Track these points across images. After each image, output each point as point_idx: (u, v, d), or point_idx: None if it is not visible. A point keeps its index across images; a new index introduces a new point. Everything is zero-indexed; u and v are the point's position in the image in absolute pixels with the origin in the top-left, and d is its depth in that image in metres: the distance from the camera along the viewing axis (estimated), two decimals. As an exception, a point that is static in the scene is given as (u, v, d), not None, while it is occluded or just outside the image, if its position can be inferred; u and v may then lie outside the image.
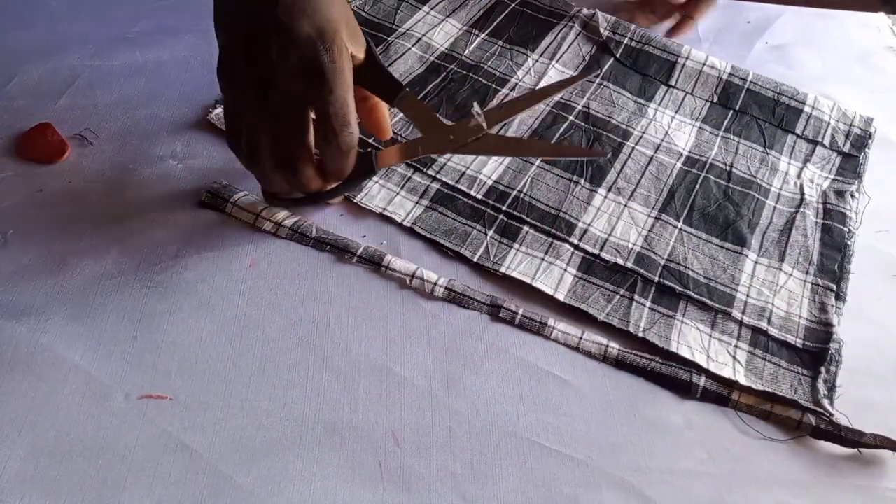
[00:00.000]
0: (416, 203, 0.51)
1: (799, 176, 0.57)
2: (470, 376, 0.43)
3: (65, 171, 0.50)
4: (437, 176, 0.53)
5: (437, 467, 0.39)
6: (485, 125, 0.45)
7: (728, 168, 0.57)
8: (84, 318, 0.43)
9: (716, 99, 0.62)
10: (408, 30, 0.64)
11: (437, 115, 0.49)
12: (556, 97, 0.60)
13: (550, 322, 0.46)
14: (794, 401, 0.43)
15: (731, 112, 0.61)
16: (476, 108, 0.45)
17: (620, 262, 0.50)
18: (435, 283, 0.46)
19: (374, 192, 0.51)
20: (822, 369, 0.45)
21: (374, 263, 0.47)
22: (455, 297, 0.46)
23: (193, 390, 0.40)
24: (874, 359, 0.47)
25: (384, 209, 0.50)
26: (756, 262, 0.51)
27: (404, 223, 0.50)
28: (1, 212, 0.47)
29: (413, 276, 0.46)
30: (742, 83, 0.62)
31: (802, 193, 0.55)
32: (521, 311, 0.46)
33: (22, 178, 0.49)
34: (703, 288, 0.49)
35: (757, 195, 0.55)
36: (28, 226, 0.46)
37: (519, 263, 0.49)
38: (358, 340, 0.44)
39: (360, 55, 0.42)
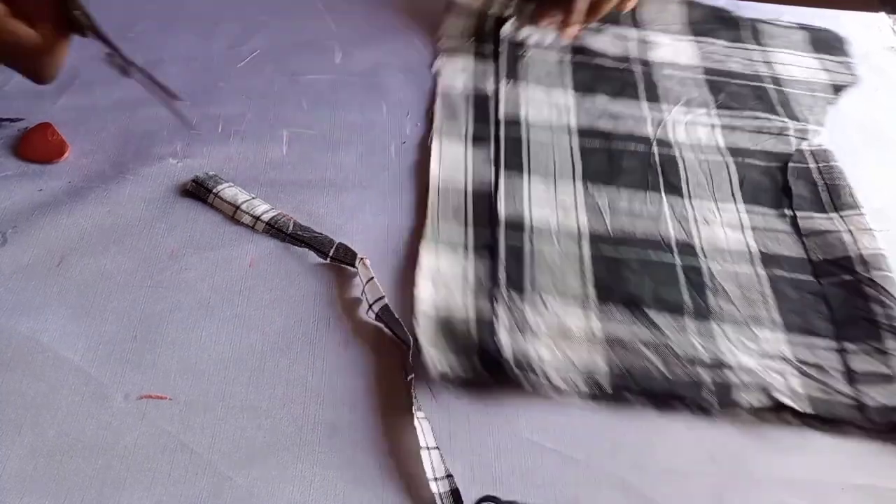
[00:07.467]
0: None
1: None
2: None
3: (65, 171, 0.50)
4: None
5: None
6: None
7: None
8: (83, 318, 0.43)
9: None
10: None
11: None
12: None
13: None
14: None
15: None
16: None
17: None
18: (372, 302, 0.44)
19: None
20: None
21: (346, 264, 0.46)
22: None
23: (193, 390, 0.40)
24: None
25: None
26: None
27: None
28: (1, 211, 0.47)
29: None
30: None
31: None
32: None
33: (22, 178, 0.49)
34: None
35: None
36: (28, 225, 0.46)
37: None
38: (358, 340, 0.44)
39: None
